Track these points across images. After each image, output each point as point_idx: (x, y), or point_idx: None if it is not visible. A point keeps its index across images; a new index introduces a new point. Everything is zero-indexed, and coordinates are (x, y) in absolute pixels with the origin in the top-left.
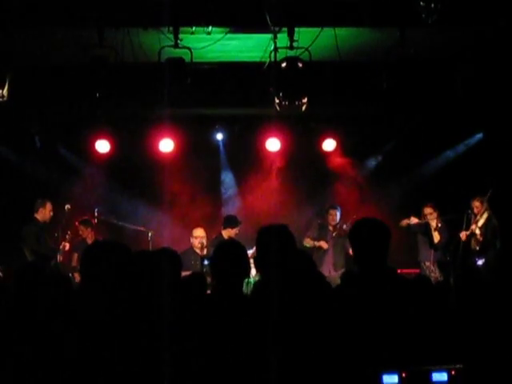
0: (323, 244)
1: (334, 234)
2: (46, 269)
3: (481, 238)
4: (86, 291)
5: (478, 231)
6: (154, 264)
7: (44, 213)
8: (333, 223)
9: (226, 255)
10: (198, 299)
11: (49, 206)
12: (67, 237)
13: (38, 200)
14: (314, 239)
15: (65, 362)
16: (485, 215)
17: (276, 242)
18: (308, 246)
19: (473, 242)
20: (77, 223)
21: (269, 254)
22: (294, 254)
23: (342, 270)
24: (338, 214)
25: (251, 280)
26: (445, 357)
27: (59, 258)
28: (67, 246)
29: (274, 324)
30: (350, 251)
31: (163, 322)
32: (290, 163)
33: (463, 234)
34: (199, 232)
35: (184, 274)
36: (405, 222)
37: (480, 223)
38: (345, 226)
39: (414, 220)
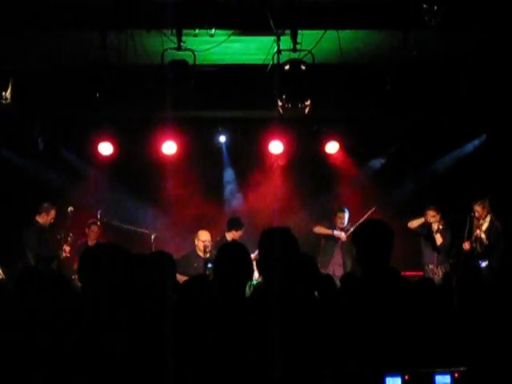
0: (342, 236)
1: (335, 232)
2: (47, 271)
3: (487, 242)
4: (86, 293)
5: (483, 235)
6: (148, 267)
7: (46, 218)
8: (341, 226)
9: (229, 258)
10: (200, 302)
11: (52, 212)
12: (69, 239)
13: (44, 204)
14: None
15: (66, 363)
16: (487, 218)
17: (279, 244)
18: (320, 232)
19: (478, 245)
20: (87, 226)
21: (271, 257)
22: (297, 258)
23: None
24: (347, 216)
25: (254, 283)
26: (448, 359)
27: (60, 260)
28: (68, 249)
29: (276, 327)
30: None
31: (164, 326)
32: (293, 165)
33: (466, 244)
34: (205, 235)
35: (184, 277)
36: (414, 223)
37: (484, 227)
38: (352, 229)
39: (414, 223)
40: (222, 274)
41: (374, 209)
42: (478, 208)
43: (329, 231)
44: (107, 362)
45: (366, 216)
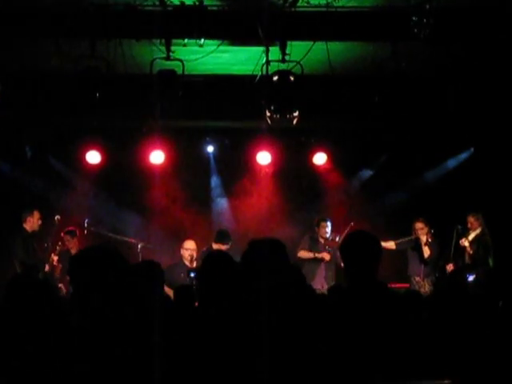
0: (325, 255)
1: (326, 247)
2: (34, 279)
3: (471, 252)
4: (75, 299)
5: (466, 244)
6: (136, 276)
7: (32, 222)
8: (325, 236)
9: (214, 267)
10: (185, 312)
11: (36, 214)
12: (57, 248)
13: (26, 210)
14: (310, 251)
15: (54, 371)
16: (477, 230)
17: (270, 255)
18: (304, 257)
19: (466, 256)
20: (62, 234)
21: (260, 267)
22: (288, 268)
23: (332, 284)
24: (329, 226)
25: None
26: (433, 372)
27: (47, 268)
28: (56, 258)
29: (264, 336)
30: (342, 264)
31: (150, 336)
32: (280, 176)
33: (450, 266)
34: (190, 244)
35: (171, 286)
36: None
37: (470, 237)
38: (337, 239)
39: (384, 245)
40: (206, 284)
41: (352, 224)
42: (471, 219)
43: (311, 254)
44: (94, 371)
45: (345, 232)
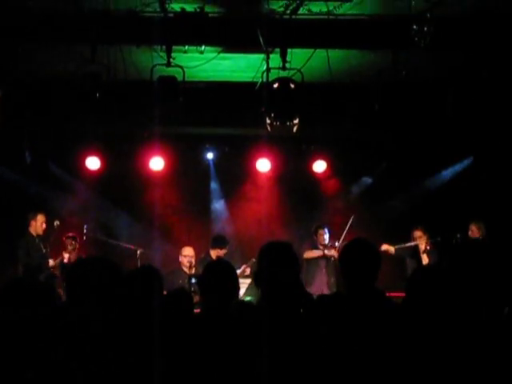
0: (335, 252)
1: (325, 252)
2: (32, 283)
3: None
4: (72, 308)
5: None
6: (135, 281)
7: (36, 225)
8: (323, 243)
9: (215, 275)
10: (184, 318)
11: (40, 217)
12: (69, 247)
13: (30, 213)
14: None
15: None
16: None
17: (282, 259)
18: (312, 256)
19: None
20: (64, 238)
21: (274, 272)
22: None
23: (335, 290)
24: (327, 233)
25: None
26: (431, 382)
27: (51, 264)
28: (67, 256)
29: (263, 344)
30: None
31: (149, 342)
32: (280, 184)
33: None
34: (188, 251)
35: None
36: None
37: None
38: (337, 244)
39: (384, 247)
40: (208, 291)
41: (352, 217)
42: (473, 227)
43: (320, 253)
44: (92, 377)
45: (347, 226)
